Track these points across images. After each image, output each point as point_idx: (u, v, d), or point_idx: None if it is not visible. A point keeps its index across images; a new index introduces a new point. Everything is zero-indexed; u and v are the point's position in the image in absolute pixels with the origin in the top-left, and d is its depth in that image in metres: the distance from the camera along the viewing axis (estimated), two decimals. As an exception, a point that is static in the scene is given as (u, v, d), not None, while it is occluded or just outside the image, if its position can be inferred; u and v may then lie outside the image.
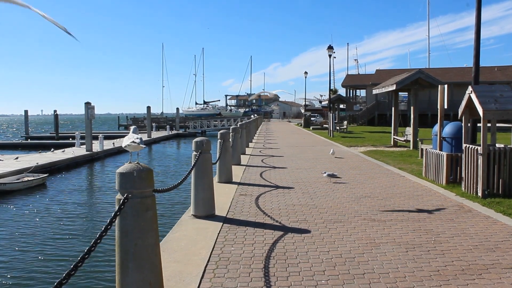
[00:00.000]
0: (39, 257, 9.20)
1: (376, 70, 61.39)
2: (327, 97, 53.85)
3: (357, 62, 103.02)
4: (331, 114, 31.95)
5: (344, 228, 6.20)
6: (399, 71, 44.45)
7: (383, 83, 23.46)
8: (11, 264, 8.83)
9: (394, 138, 21.13)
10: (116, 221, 3.14)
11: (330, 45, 34.05)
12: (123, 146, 3.65)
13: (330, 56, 34.65)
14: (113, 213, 3.03)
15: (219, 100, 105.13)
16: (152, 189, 3.31)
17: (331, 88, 40.52)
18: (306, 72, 65.55)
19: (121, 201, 3.08)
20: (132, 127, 3.84)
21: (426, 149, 11.27)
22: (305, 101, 78.53)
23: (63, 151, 27.10)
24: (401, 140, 20.13)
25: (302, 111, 74.19)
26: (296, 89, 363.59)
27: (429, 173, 10.80)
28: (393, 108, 21.84)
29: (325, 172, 10.53)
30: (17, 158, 23.63)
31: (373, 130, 38.75)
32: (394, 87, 19.34)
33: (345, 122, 38.58)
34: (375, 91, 23.62)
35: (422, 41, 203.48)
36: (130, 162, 3.34)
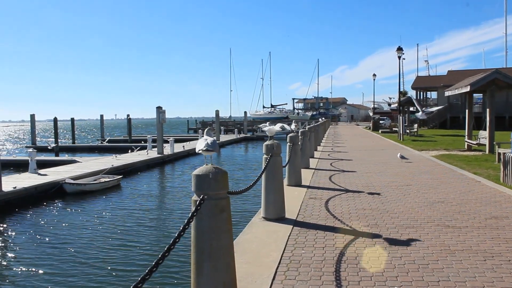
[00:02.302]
0: (118, 255, 9.62)
1: (448, 71, 59.28)
2: (396, 99, 52.57)
3: (428, 63, 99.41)
4: (401, 117, 31.19)
5: (417, 233, 6.06)
6: (472, 71, 42.66)
7: (456, 84, 22.63)
8: (93, 262, 9.28)
9: (467, 141, 20.33)
10: (192, 222, 3.24)
11: (399, 46, 33.24)
12: (196, 150, 3.75)
13: (399, 57, 33.81)
14: (189, 214, 3.14)
15: (286, 104, 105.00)
16: (227, 191, 3.40)
17: (400, 90, 39.49)
18: (374, 75, 64.20)
19: (197, 202, 3.19)
20: (206, 129, 3.94)
21: (505, 153, 10.77)
22: (373, 104, 76.89)
23: (139, 153, 28.16)
24: (474, 144, 19.33)
25: (371, 114, 72.75)
26: (364, 91, 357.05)
27: (508, 179, 10.31)
28: (466, 110, 21.03)
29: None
30: (116, 156, 25.65)
31: (445, 133, 37.40)
32: (468, 89, 18.61)
33: (416, 125, 37.51)
34: (447, 93, 22.84)
35: (498, 39, 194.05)
36: (206, 165, 3.44)
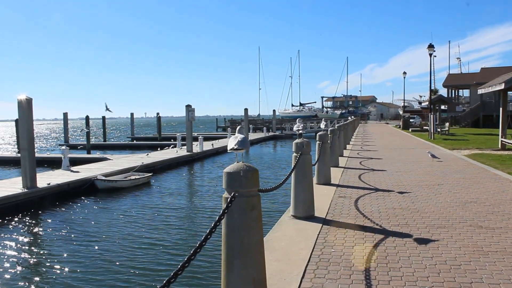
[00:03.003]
0: (147, 252, 9.77)
1: (481, 68, 58.04)
2: (427, 97, 51.77)
3: (460, 60, 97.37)
4: (431, 116, 30.70)
5: (448, 234, 5.97)
6: (507, 68, 41.74)
7: (490, 82, 22.15)
8: (122, 259, 9.45)
9: (502, 140, 19.88)
10: (223, 219, 3.28)
11: (430, 43, 32.64)
12: (228, 148, 3.78)
13: (430, 55, 33.22)
14: (220, 211, 3.18)
15: (315, 102, 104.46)
16: (258, 189, 3.42)
17: (431, 88, 38.86)
18: (405, 72, 63.30)
19: (228, 199, 3.22)
20: (238, 127, 3.97)
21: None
22: (403, 102, 76.04)
23: (173, 149, 28.51)
24: (509, 143, 18.90)
25: (401, 112, 71.94)
26: (393, 90, 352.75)
27: (543, 179, 10.06)
28: (500, 108, 20.55)
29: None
30: (147, 154, 26.32)
31: (478, 132, 36.66)
32: (502, 86, 18.20)
33: (447, 124, 36.87)
34: (480, 91, 22.39)
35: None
36: (237, 162, 3.47)
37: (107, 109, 39.18)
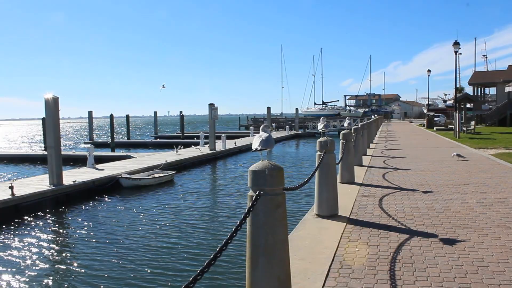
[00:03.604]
0: (170, 251, 9.85)
1: (509, 65, 56.80)
2: (452, 96, 51.04)
3: (486, 57, 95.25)
4: (457, 114, 30.26)
5: (475, 234, 5.88)
6: (535, 66, 40.77)
7: (518, 80, 21.71)
8: (146, 256, 9.55)
9: (530, 140, 19.49)
10: (248, 217, 3.28)
11: (456, 40, 32.15)
12: (252, 148, 3.78)
13: (456, 52, 32.73)
14: (246, 209, 3.19)
15: (338, 100, 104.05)
16: (283, 187, 3.42)
17: (457, 86, 38.30)
18: (429, 70, 62.56)
19: (254, 198, 3.22)
20: (262, 126, 3.96)
21: None
22: (428, 101, 74.98)
23: (196, 148, 28.69)
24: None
25: (425, 111, 70.92)
26: (417, 88, 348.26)
27: None
28: (529, 107, 20.16)
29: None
30: (177, 151, 26.44)
31: (505, 131, 35.99)
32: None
33: (473, 123, 36.27)
34: (507, 89, 22.06)
35: None
36: (262, 160, 3.47)
37: (163, 86, 41.30)
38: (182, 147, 27.83)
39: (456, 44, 32.14)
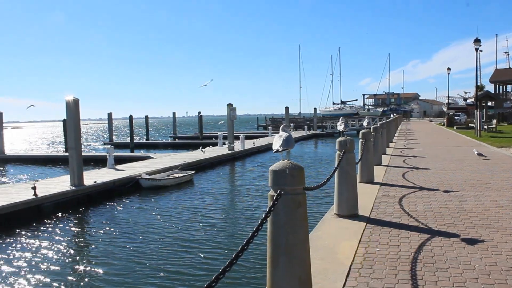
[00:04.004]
0: (190, 251, 9.91)
1: (532, 63, 55.95)
2: (473, 94, 50.37)
3: (508, 54, 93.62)
4: (478, 112, 29.88)
5: (498, 234, 5.79)
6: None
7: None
8: (165, 256, 9.62)
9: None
10: (269, 217, 3.29)
11: (476, 38, 31.69)
12: (273, 148, 3.78)
13: (476, 50, 32.26)
14: (267, 208, 3.20)
15: (356, 100, 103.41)
16: (303, 187, 3.42)
17: (477, 84, 37.76)
18: (449, 68, 61.79)
19: (274, 197, 3.23)
20: (282, 125, 3.96)
21: None
22: (448, 99, 74.21)
23: (203, 151, 28.80)
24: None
25: (444, 109, 70.24)
26: (437, 86, 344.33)
27: None
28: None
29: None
30: (203, 151, 26.72)
31: (528, 129, 35.43)
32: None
33: (494, 121, 35.80)
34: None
35: None
36: (282, 160, 3.47)
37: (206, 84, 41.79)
38: (211, 146, 28.20)
39: (477, 41, 31.70)
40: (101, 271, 8.81)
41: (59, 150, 41.97)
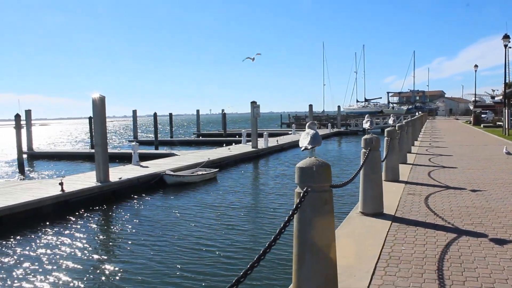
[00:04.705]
0: (214, 248, 9.97)
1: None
2: (501, 91, 49.37)
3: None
4: (506, 110, 29.31)
5: (528, 234, 5.69)
6: None
7: None
8: (190, 253, 9.69)
9: None
10: (296, 214, 3.29)
11: (506, 34, 31.06)
12: (300, 146, 3.77)
13: (505, 46, 31.58)
14: (294, 206, 3.20)
15: (380, 98, 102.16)
16: (330, 184, 3.41)
17: (506, 81, 37.00)
18: (476, 66, 60.66)
19: (301, 194, 3.23)
20: (308, 123, 3.94)
21: None
22: (474, 97, 72.91)
23: (229, 148, 28.88)
24: None
25: (471, 107, 69.01)
26: (463, 84, 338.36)
27: None
28: None
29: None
30: (229, 148, 26.18)
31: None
32: None
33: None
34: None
35: None
36: (309, 157, 3.47)
37: (253, 58, 41.66)
38: (234, 144, 28.42)
39: (506, 37, 31.06)
40: (122, 268, 8.88)
41: (84, 147, 42.61)
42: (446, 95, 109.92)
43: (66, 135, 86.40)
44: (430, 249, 5.18)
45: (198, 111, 60.99)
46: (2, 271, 8.84)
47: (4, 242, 10.73)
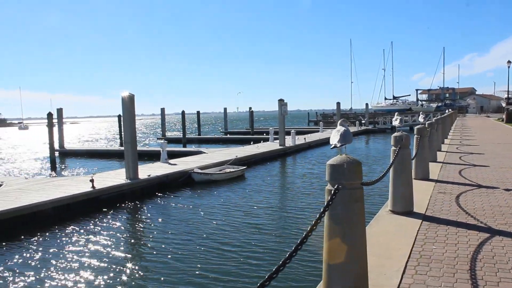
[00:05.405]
0: (243, 246, 9.99)
1: None
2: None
3: None
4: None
5: None
6: None
7: None
8: (218, 252, 9.73)
9: None
10: (327, 211, 3.28)
11: (540, 30, 30.29)
12: (330, 143, 3.75)
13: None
14: (325, 203, 3.19)
15: (409, 95, 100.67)
16: (361, 182, 3.39)
17: (540, 79, 36.02)
18: (509, 61, 59.22)
19: (332, 191, 3.22)
20: (340, 120, 3.92)
21: None
22: (507, 94, 71.12)
23: (257, 146, 28.92)
24: None
25: (503, 104, 67.42)
26: (495, 81, 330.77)
27: None
28: None
29: None
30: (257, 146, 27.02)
31: None
32: None
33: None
34: None
35: None
36: (340, 155, 3.46)
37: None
38: (262, 142, 28.61)
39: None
40: (145, 266, 8.94)
41: (114, 144, 43.26)
42: (477, 92, 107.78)
43: (95, 132, 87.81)
44: (462, 248, 5.10)
45: (225, 109, 61.27)
46: (31, 267, 9.02)
47: (36, 238, 10.98)
